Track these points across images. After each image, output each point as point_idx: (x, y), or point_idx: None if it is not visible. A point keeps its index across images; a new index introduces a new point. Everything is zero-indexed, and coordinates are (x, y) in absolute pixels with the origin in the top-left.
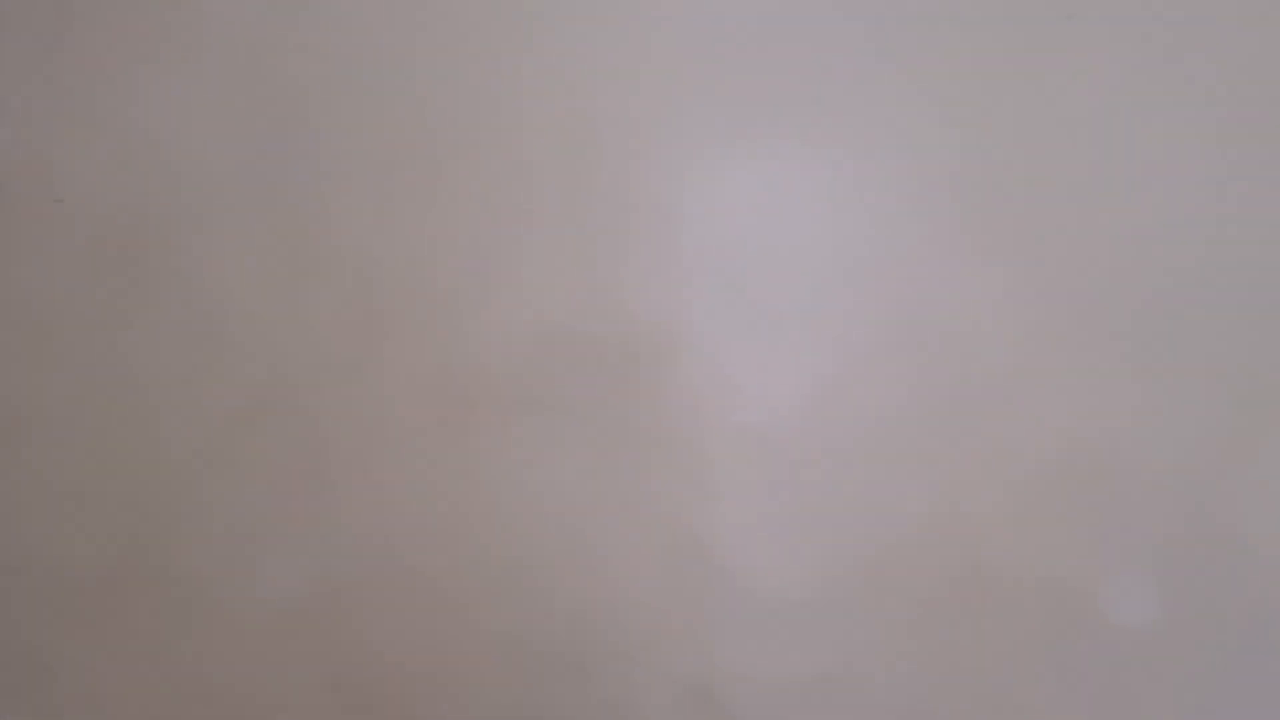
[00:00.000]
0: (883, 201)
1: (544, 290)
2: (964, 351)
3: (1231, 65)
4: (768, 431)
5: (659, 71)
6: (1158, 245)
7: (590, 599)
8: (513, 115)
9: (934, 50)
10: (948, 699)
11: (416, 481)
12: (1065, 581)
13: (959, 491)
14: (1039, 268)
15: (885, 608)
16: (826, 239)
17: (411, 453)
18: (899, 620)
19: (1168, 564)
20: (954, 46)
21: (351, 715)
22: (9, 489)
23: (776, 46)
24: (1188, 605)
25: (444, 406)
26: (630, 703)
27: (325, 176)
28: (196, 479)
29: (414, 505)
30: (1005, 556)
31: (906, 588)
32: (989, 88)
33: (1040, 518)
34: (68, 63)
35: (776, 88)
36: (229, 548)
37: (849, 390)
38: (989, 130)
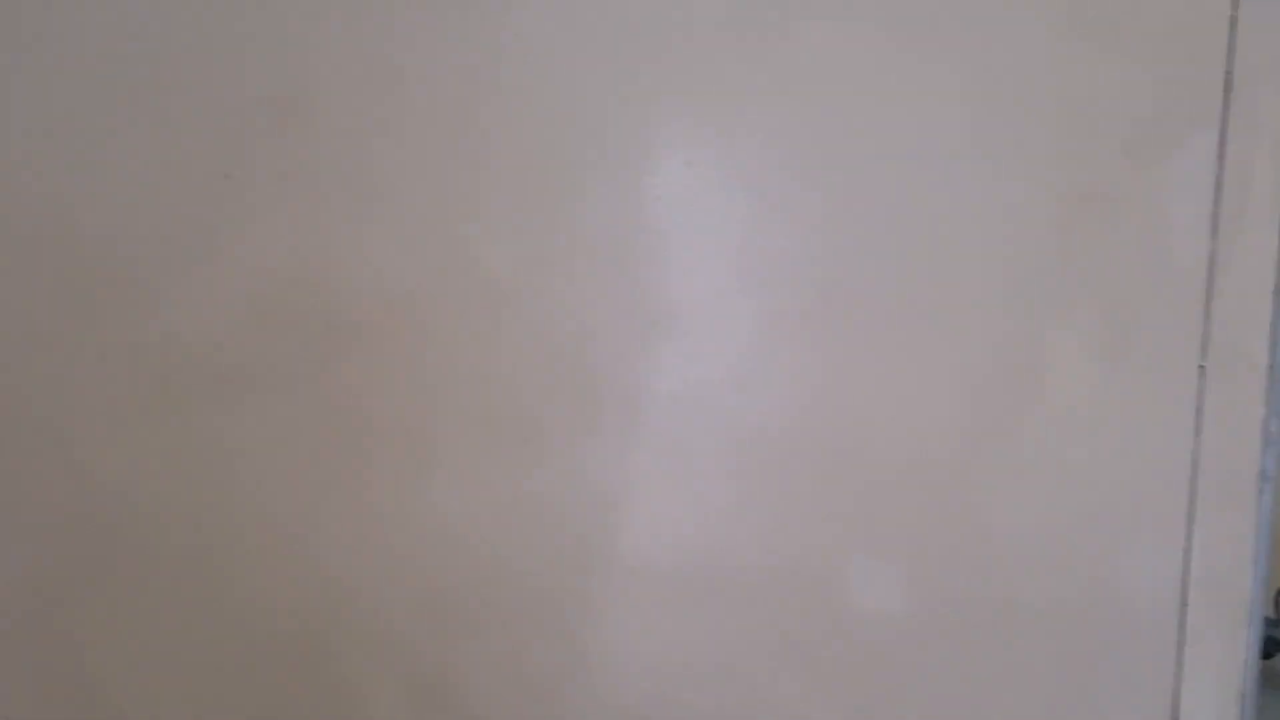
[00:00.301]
0: (612, 176)
1: (253, 256)
2: (699, 333)
3: (974, 62)
4: (495, 410)
5: (371, 35)
6: (900, 231)
7: (314, 590)
8: (220, 68)
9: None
10: (688, 692)
11: (114, 468)
12: (808, 570)
13: (696, 478)
14: (777, 250)
15: (623, 597)
16: (549, 208)
17: (107, 436)
18: (636, 611)
19: (911, 551)
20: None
21: (61, 717)
22: None
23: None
24: (931, 592)
25: (143, 384)
26: (360, 695)
27: (4, 133)
28: None
29: (111, 493)
30: (746, 544)
31: (644, 577)
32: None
33: (782, 504)
34: None
35: (498, 59)
36: None
37: (581, 369)
38: (723, 112)
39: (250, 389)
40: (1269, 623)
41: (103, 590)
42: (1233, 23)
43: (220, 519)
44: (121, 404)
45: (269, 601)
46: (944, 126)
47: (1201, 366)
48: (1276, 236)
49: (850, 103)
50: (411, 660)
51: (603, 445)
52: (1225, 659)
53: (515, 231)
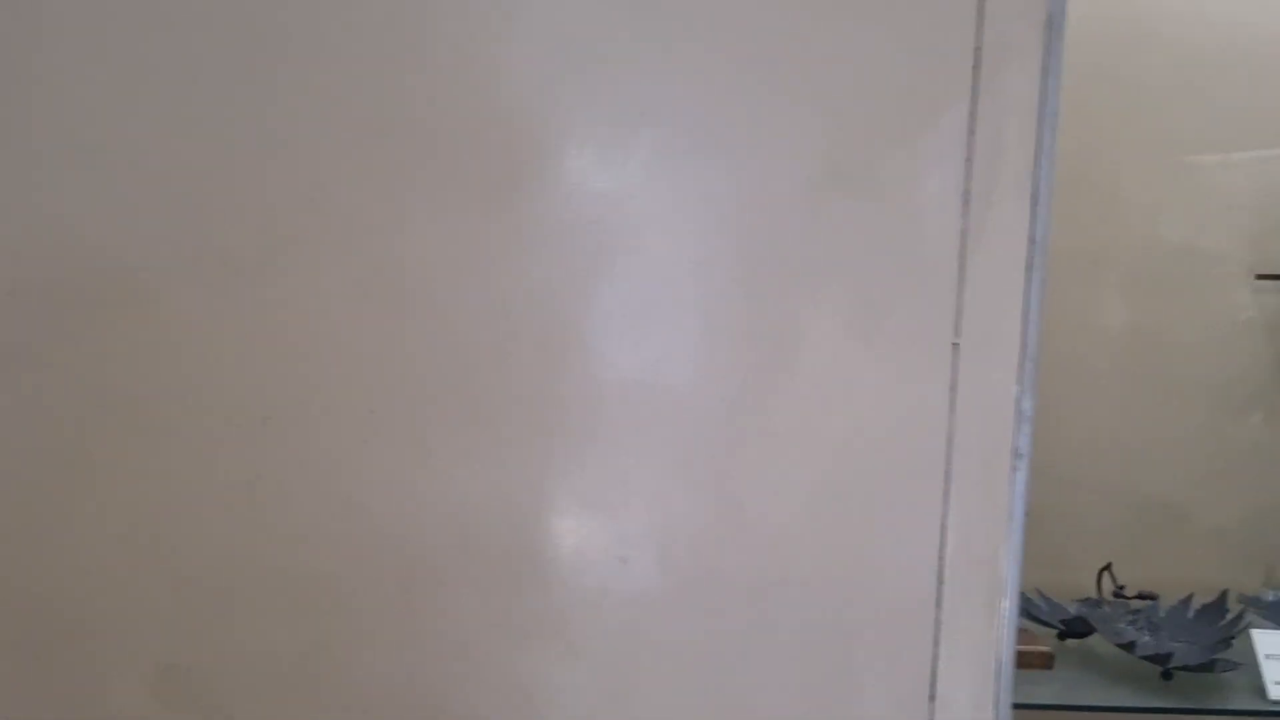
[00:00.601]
0: (351, 152)
1: None
2: (436, 313)
3: (722, 36)
4: (227, 392)
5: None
6: (646, 209)
7: (50, 579)
8: None
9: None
10: (432, 677)
11: None
12: (557, 548)
13: (439, 457)
14: (493, 221)
15: (366, 582)
16: (292, 186)
17: None
18: (381, 596)
19: (664, 529)
20: None
21: None
22: None
23: None
24: (684, 570)
25: None
26: (99, 684)
27: None
28: None
29: None
30: (493, 523)
31: (390, 557)
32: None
33: (529, 481)
34: None
35: (227, 27)
36: None
37: (316, 352)
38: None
39: None
40: (1090, 602)
41: None
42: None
43: None
44: None
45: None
46: (692, 102)
47: (955, 344)
48: (1028, 212)
49: (587, 74)
50: (154, 647)
51: (333, 426)
52: (981, 635)
53: (256, 208)
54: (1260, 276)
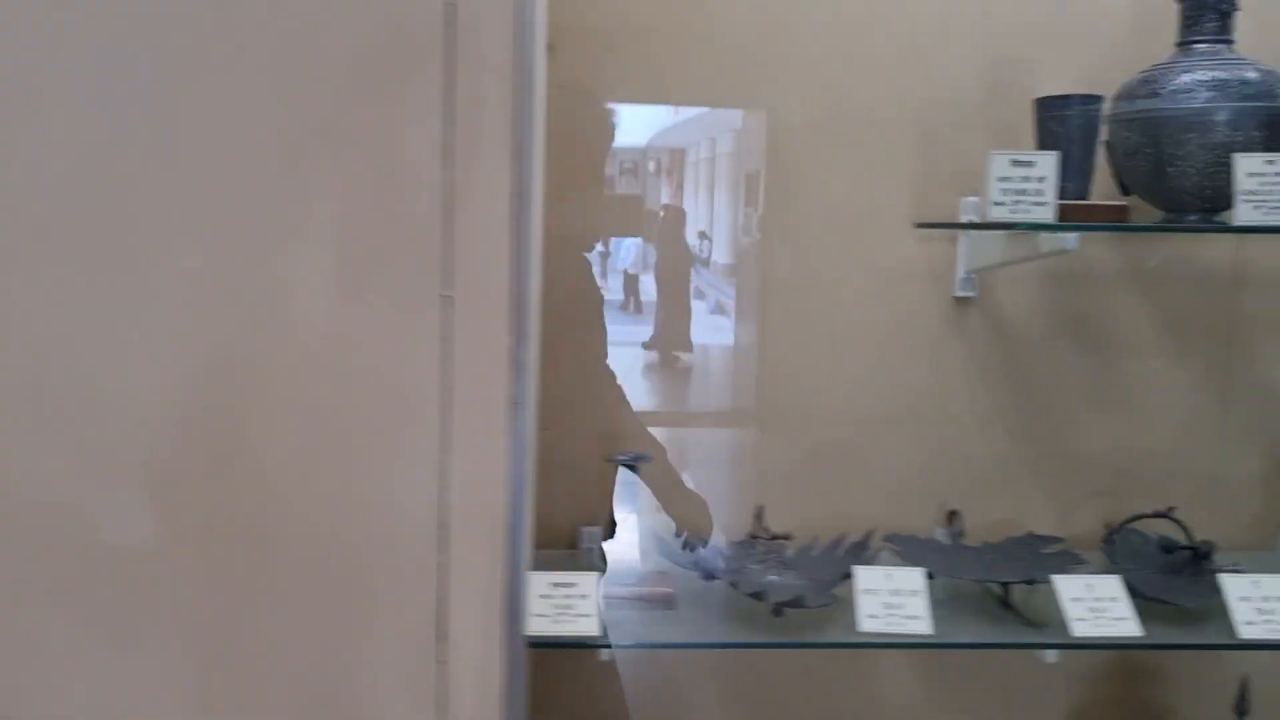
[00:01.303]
0: None
1: None
2: None
3: None
4: None
5: None
6: (123, 169)
7: None
8: None
9: None
10: None
11: None
12: (68, 506)
13: None
14: None
15: None
16: None
17: None
18: None
19: (168, 482)
20: None
21: None
22: None
23: None
24: (190, 520)
25: None
26: None
27: None
28: None
29: None
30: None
31: None
32: None
33: (22, 437)
34: None
35: None
36: None
37: None
38: None
39: None
40: (745, 544)
41: None
42: None
43: None
44: None
45: None
46: (164, 67)
47: (446, 296)
48: (510, 166)
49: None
50: None
51: None
52: (487, 575)
53: None
54: (920, 225)
